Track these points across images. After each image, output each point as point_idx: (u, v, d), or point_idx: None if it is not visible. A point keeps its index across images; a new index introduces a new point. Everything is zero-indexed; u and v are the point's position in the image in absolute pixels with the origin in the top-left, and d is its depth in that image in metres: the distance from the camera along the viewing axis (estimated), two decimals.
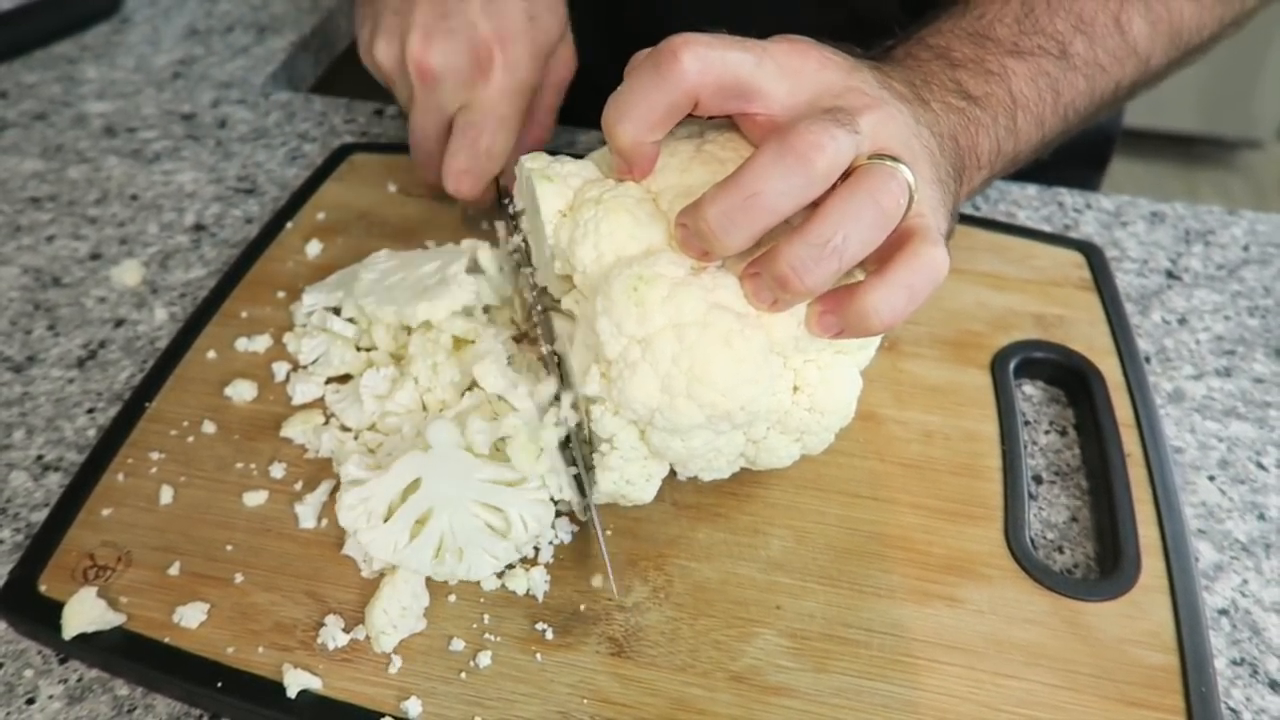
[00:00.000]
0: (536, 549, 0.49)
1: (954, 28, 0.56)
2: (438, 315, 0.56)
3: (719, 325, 0.42)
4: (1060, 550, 0.52)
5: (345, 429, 0.54)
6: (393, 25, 0.59)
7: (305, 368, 0.58)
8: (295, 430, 0.55)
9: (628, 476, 0.48)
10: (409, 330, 0.57)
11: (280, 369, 0.58)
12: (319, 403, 0.56)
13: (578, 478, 0.50)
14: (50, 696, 0.46)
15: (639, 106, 0.42)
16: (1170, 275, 0.70)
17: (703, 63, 0.41)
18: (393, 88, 0.62)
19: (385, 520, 0.48)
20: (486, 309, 0.59)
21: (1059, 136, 0.59)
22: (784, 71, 0.43)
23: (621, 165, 0.46)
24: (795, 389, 0.46)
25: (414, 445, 0.50)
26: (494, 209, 0.53)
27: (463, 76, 0.58)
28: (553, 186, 0.48)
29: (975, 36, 0.56)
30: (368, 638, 0.46)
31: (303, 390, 0.56)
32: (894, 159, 0.41)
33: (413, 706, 0.43)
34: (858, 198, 0.40)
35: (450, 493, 0.48)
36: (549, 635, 0.46)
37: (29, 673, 0.47)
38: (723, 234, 0.41)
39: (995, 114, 0.53)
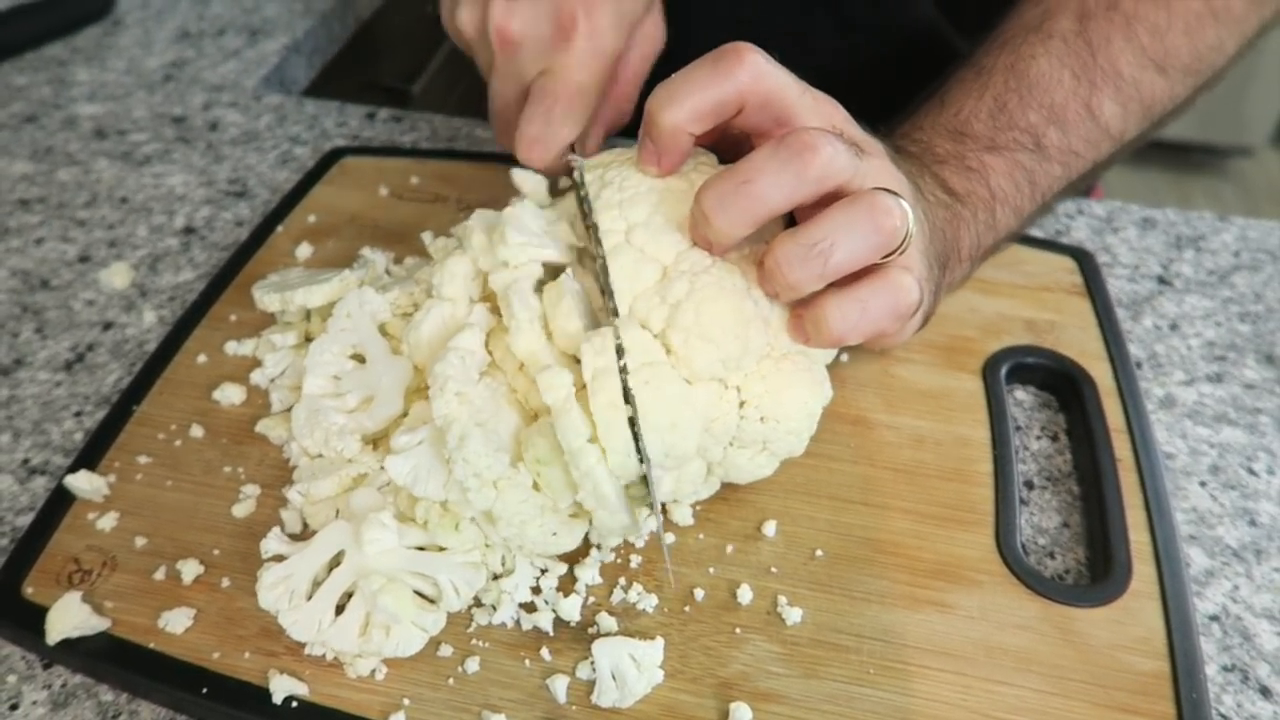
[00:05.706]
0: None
1: (933, 124, 0.58)
2: (314, 301, 0.56)
3: (605, 392, 0.43)
4: (1051, 556, 0.52)
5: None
6: None
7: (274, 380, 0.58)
8: (274, 431, 0.54)
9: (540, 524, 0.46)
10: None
11: (264, 374, 0.58)
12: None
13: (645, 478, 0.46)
14: (34, 703, 0.46)
15: (692, 96, 0.44)
16: (1161, 281, 0.70)
17: (760, 72, 0.44)
18: (473, 55, 0.60)
19: (309, 598, 0.45)
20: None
21: (1035, 220, 0.61)
22: (819, 108, 0.46)
23: (649, 152, 0.46)
24: (742, 404, 0.46)
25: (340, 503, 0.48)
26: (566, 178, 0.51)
27: (543, 43, 0.55)
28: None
29: (954, 133, 0.57)
30: None
31: (279, 399, 0.56)
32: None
33: (399, 713, 0.43)
34: (856, 210, 0.42)
35: (375, 564, 0.45)
36: (538, 641, 0.46)
37: (12, 678, 0.47)
38: (715, 215, 0.43)
39: (975, 210, 0.55)
